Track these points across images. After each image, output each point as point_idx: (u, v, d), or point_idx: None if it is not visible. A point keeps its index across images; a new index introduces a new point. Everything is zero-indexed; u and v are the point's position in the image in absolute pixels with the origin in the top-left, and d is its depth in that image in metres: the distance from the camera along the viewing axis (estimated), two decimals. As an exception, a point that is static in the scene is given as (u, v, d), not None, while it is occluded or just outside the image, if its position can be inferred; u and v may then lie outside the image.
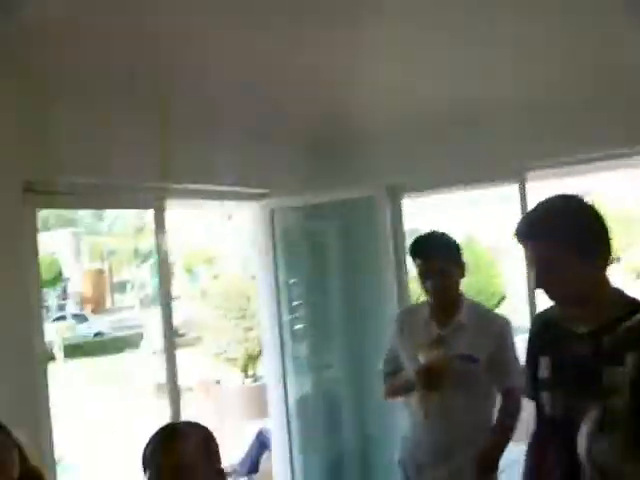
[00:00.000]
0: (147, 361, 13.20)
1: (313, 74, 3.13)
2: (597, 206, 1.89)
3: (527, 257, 1.91)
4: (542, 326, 2.05)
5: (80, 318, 20.22)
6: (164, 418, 3.72)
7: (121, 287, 26.56)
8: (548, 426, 1.98)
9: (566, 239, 1.79)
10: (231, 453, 6.36)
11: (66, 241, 25.18)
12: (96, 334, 19.43)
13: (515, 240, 1.89)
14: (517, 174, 4.13)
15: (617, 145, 3.72)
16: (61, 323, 18.31)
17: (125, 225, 24.78)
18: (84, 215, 25.20)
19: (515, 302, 10.86)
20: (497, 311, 3.03)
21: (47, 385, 3.04)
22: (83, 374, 13.68)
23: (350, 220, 4.81)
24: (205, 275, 20.73)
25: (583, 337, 1.83)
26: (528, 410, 2.23)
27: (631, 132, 3.51)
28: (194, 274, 21.44)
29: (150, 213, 3.76)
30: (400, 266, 4.35)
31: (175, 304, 4.08)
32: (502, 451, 2.77)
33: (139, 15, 2.26)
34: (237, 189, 4.33)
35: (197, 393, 9.43)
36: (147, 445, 1.78)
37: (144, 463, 1.76)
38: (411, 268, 3.49)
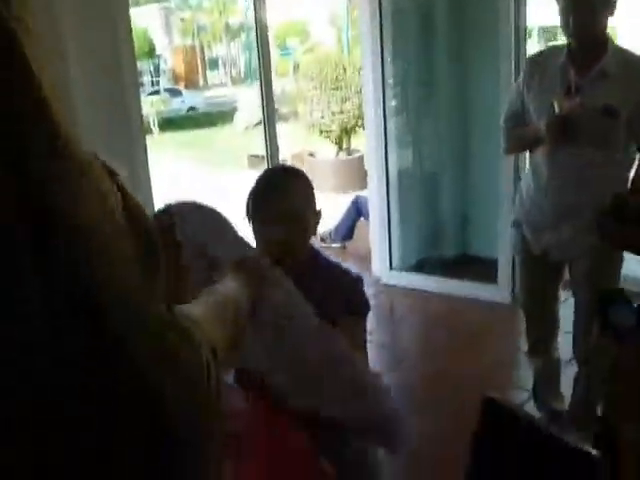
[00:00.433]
0: (240, 135, 13.48)
1: None
2: None
3: None
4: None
5: (174, 92, 20.43)
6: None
7: (212, 64, 26.46)
8: None
9: None
10: (325, 222, 6.53)
11: (157, 17, 24.82)
12: (189, 109, 19.73)
13: None
14: None
15: None
16: (155, 97, 18.60)
17: (215, 0, 24.09)
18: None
19: None
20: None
21: (147, 157, 3.15)
22: (178, 146, 14.07)
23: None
24: (298, 49, 20.21)
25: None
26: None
27: None
28: (287, 48, 20.91)
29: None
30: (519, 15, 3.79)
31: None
32: None
33: None
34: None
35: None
36: (252, 194, 1.71)
37: (249, 214, 1.71)
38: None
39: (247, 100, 14.01)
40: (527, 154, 2.85)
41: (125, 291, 0.55)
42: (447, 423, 2.99)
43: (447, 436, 2.86)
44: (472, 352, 3.78)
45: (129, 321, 0.55)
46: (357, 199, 6.13)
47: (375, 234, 5.25)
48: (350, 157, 9.00)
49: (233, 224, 1.52)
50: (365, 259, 5.76)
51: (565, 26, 2.43)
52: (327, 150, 9.39)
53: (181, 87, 22.22)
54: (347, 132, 9.01)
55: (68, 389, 0.51)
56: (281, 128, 10.19)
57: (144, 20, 21.54)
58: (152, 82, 22.59)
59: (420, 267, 5.05)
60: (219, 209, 1.53)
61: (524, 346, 3.12)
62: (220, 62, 26.18)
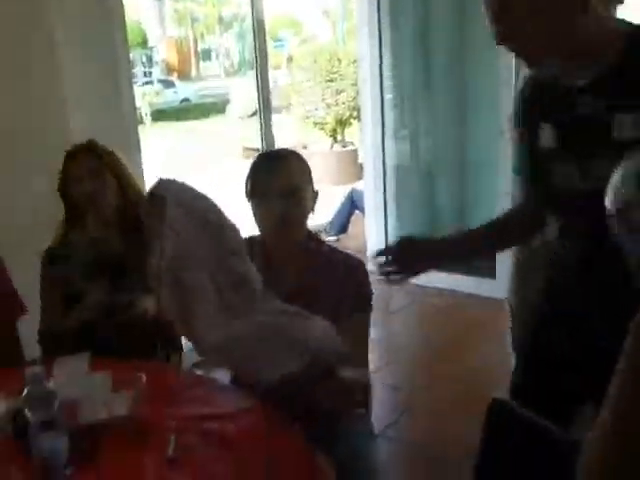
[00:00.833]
0: (233, 126, 13.37)
1: None
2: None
3: None
4: (536, 88, 1.60)
5: (167, 83, 20.30)
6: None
7: (206, 55, 26.32)
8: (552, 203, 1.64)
9: None
10: (321, 215, 6.48)
11: (150, 8, 24.64)
12: (183, 100, 19.60)
13: None
14: None
15: None
16: (148, 88, 18.47)
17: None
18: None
19: None
20: None
21: (139, 146, 3.15)
22: (171, 137, 13.96)
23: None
24: (291, 40, 20.11)
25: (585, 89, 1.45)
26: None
27: None
28: (279, 40, 20.79)
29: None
30: None
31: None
32: None
33: None
34: None
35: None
36: (252, 172, 1.74)
37: (248, 191, 1.73)
38: None
39: (240, 91, 13.93)
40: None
41: None
42: (446, 421, 2.94)
43: (449, 434, 2.81)
44: (469, 348, 3.73)
45: None
46: (352, 192, 6.06)
47: (371, 227, 5.19)
48: (344, 149, 8.93)
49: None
50: (360, 253, 5.69)
51: None
52: (321, 142, 9.33)
53: (174, 78, 22.08)
54: (342, 124, 8.94)
55: None
56: (274, 120, 10.16)
57: (137, 11, 21.39)
58: (145, 73, 22.44)
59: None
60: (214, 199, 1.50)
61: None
62: (213, 53, 26.02)
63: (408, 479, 2.55)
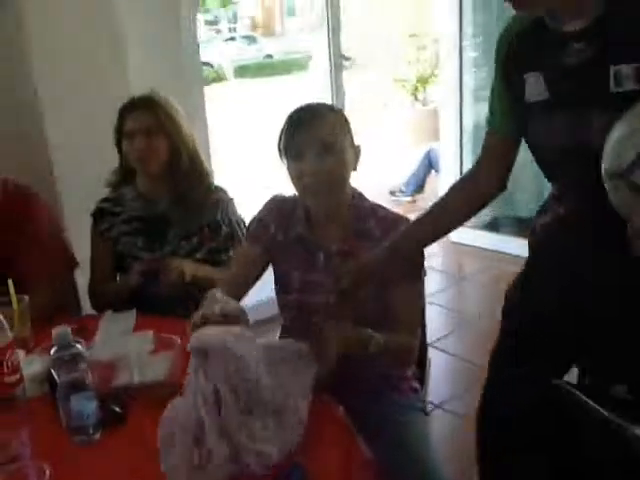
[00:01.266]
0: (315, 83, 13.18)
1: None
2: None
3: None
4: (521, 35, 1.44)
5: (250, 39, 20.27)
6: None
7: (290, 11, 26.10)
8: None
9: None
10: (398, 174, 6.35)
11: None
12: (266, 56, 19.54)
13: None
14: None
15: None
16: (232, 44, 18.48)
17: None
18: None
19: None
20: None
21: (204, 104, 3.12)
22: (253, 93, 13.94)
23: None
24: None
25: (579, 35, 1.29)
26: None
27: None
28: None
29: None
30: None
31: (344, 27, 3.87)
32: None
33: None
34: None
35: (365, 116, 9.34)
36: (284, 128, 1.63)
37: (281, 149, 1.63)
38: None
39: (322, 47, 13.69)
40: None
41: None
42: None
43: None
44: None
45: None
46: (430, 151, 5.88)
47: (445, 188, 5.01)
48: (425, 108, 8.66)
49: None
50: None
51: None
52: (402, 100, 9.07)
53: (258, 34, 22.02)
54: (423, 81, 8.65)
55: None
56: (355, 77, 9.95)
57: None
58: (230, 29, 22.49)
59: (493, 226, 4.80)
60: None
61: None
62: (297, 9, 25.78)
63: (465, 460, 2.44)
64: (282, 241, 1.72)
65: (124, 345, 1.58)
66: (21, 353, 1.63)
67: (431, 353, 3.25)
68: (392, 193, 6.11)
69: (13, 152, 2.44)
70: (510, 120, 1.53)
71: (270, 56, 19.64)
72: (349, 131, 1.64)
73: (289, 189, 1.70)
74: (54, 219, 2.12)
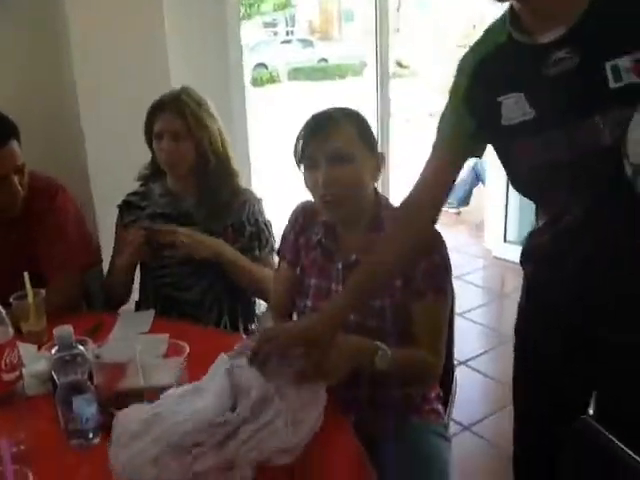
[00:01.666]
0: (369, 89, 13.13)
1: None
2: None
3: None
4: (489, 57, 1.33)
5: (306, 43, 20.32)
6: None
7: (348, 16, 26.11)
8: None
9: None
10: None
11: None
12: (320, 60, 19.56)
13: None
14: None
15: None
16: (287, 47, 18.54)
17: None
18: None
19: None
20: None
21: (245, 108, 3.07)
22: (305, 95, 13.96)
23: None
24: (436, 5, 19.43)
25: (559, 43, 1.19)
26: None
27: None
28: (423, 4, 20.15)
29: None
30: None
31: (399, 35, 3.87)
32: None
33: None
34: None
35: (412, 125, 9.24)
36: (300, 134, 1.57)
37: (296, 155, 1.58)
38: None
39: (376, 54, 13.63)
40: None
41: None
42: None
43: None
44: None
45: None
46: (477, 164, 5.76)
47: (491, 202, 4.90)
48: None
49: None
50: (479, 228, 5.42)
51: None
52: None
53: (314, 38, 22.08)
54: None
55: None
56: (406, 84, 9.85)
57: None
58: (287, 32, 22.59)
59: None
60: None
61: None
62: (356, 15, 25.77)
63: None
64: (304, 245, 1.70)
65: (136, 346, 1.54)
66: (33, 348, 1.61)
67: (463, 372, 3.18)
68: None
69: (48, 148, 2.44)
70: (465, 144, 1.43)
71: (325, 60, 19.66)
72: (369, 138, 1.57)
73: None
74: (79, 213, 2.10)
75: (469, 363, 3.33)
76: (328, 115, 1.56)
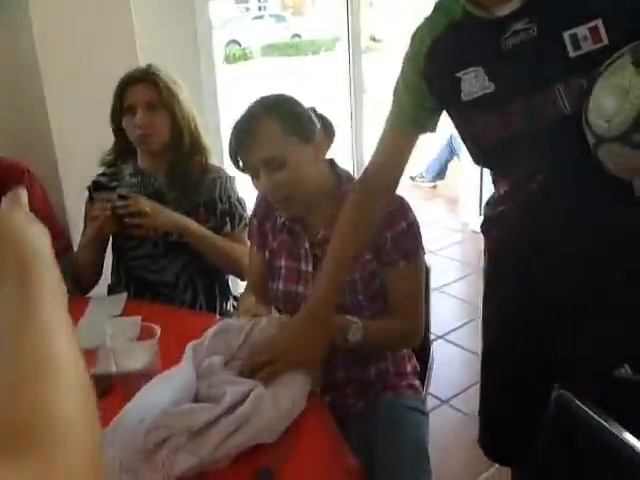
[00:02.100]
0: (341, 64, 13.06)
1: None
2: None
3: None
4: (443, 35, 1.33)
5: (278, 18, 20.08)
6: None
7: (321, -10, 25.83)
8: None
9: None
10: (418, 159, 6.22)
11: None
12: (293, 36, 19.37)
13: None
14: None
15: None
16: (259, 22, 18.31)
17: None
18: None
19: None
20: None
21: (215, 83, 3.03)
22: (279, 72, 13.84)
23: None
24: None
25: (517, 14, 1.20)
26: None
27: None
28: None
29: None
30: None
31: (372, 10, 3.81)
32: None
33: None
34: None
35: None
36: (229, 144, 1.54)
37: (237, 167, 1.58)
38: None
39: (350, 29, 13.52)
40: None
41: None
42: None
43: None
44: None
45: None
46: (452, 137, 5.75)
47: (467, 176, 4.90)
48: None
49: None
50: (454, 202, 5.43)
51: None
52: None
53: (287, 14, 21.82)
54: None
55: None
56: (384, 59, 9.76)
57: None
58: (259, 8, 22.27)
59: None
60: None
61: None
62: (328, -12, 25.52)
63: (468, 459, 2.36)
64: (270, 229, 1.70)
65: (107, 330, 1.51)
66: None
67: (441, 346, 3.19)
68: (412, 178, 6.00)
69: (13, 133, 2.39)
70: (424, 120, 1.45)
71: (298, 36, 19.47)
72: (298, 127, 1.51)
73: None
74: (46, 198, 2.06)
75: (447, 337, 3.35)
76: (250, 117, 1.51)
